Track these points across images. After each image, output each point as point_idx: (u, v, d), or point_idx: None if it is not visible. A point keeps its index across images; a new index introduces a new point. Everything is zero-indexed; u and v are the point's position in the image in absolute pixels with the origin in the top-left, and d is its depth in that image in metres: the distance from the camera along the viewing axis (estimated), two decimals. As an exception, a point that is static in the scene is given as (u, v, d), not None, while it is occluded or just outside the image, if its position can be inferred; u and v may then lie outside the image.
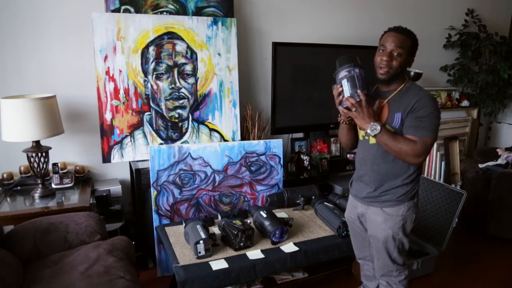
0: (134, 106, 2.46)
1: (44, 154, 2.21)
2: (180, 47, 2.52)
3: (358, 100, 1.49)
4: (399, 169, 1.59)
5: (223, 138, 2.69)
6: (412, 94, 1.54)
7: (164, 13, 2.51)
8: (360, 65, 1.52)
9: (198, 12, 2.60)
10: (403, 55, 1.52)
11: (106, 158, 2.43)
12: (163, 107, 2.53)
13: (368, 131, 1.50)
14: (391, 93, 1.59)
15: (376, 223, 1.66)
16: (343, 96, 1.52)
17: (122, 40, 2.38)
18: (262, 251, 1.99)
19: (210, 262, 1.87)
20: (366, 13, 3.36)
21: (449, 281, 2.49)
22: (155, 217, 2.35)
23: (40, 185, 2.27)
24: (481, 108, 3.92)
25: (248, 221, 2.19)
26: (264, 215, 2.12)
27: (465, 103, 3.88)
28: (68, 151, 2.58)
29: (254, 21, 2.96)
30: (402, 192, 1.60)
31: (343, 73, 1.51)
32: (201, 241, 1.88)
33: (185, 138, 2.60)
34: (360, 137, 1.71)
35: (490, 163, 3.30)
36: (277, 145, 2.61)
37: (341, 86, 1.52)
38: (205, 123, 2.65)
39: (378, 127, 1.49)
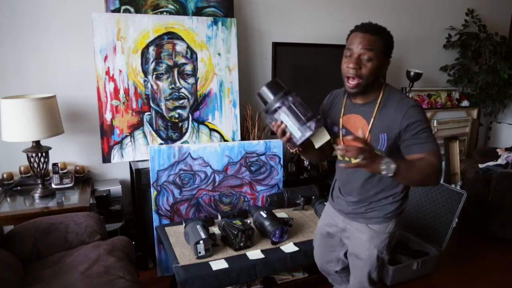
0: (134, 106, 2.46)
1: (44, 154, 2.21)
2: (180, 47, 2.52)
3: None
4: (389, 187, 1.44)
5: (223, 138, 2.69)
6: (393, 109, 1.31)
7: (164, 13, 2.51)
8: (288, 90, 1.32)
9: (198, 12, 2.60)
10: (375, 60, 1.26)
11: (106, 158, 2.43)
12: (163, 107, 2.53)
13: (384, 172, 1.19)
14: (368, 107, 1.35)
15: (361, 241, 1.50)
16: (291, 134, 1.29)
17: (122, 40, 2.38)
18: (262, 251, 1.99)
19: (210, 262, 1.87)
20: (365, 13, 3.36)
21: (449, 281, 2.49)
22: (155, 217, 2.35)
23: (40, 185, 2.27)
24: (481, 108, 3.92)
25: (248, 221, 2.19)
26: (264, 215, 2.12)
27: (465, 103, 3.89)
28: (68, 151, 2.58)
29: (254, 21, 2.96)
30: (391, 209, 1.45)
31: (277, 105, 1.29)
32: (201, 241, 1.88)
33: (185, 138, 2.60)
34: (339, 157, 1.48)
35: (490, 163, 3.30)
36: (277, 145, 2.61)
37: (282, 122, 1.29)
38: (205, 123, 2.65)
39: (393, 164, 1.18)
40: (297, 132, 1.28)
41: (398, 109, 1.30)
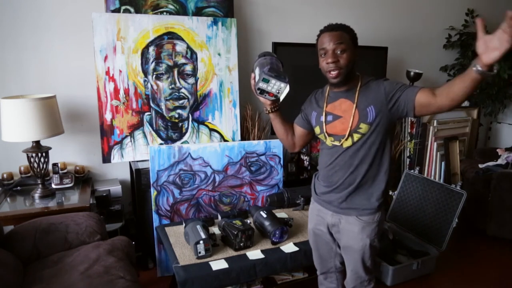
0: (134, 106, 2.46)
1: (44, 154, 2.21)
2: (180, 47, 2.52)
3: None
4: (375, 175, 1.52)
5: (223, 138, 2.69)
6: (373, 85, 1.47)
7: (164, 13, 2.51)
8: (271, 55, 1.56)
9: (198, 12, 2.60)
10: (348, 50, 1.42)
11: (106, 158, 2.43)
12: (163, 107, 2.53)
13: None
14: (351, 91, 1.49)
15: (353, 233, 1.55)
16: (257, 80, 1.46)
17: (122, 40, 2.38)
18: (262, 251, 1.99)
19: (210, 262, 1.87)
20: (365, 13, 3.36)
21: (449, 281, 2.49)
22: (155, 217, 2.35)
23: (40, 185, 2.27)
24: (481, 108, 3.92)
25: (248, 221, 2.20)
26: (264, 215, 2.12)
27: (465, 103, 3.87)
28: (68, 151, 2.58)
29: (254, 21, 2.96)
30: (377, 197, 1.53)
31: (256, 63, 1.54)
32: (201, 241, 1.88)
33: (185, 138, 2.60)
34: (329, 144, 1.57)
35: (490, 163, 3.30)
36: (277, 145, 2.61)
37: (254, 73, 1.51)
38: (205, 123, 2.65)
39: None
40: (257, 76, 1.48)
41: (378, 83, 1.47)
